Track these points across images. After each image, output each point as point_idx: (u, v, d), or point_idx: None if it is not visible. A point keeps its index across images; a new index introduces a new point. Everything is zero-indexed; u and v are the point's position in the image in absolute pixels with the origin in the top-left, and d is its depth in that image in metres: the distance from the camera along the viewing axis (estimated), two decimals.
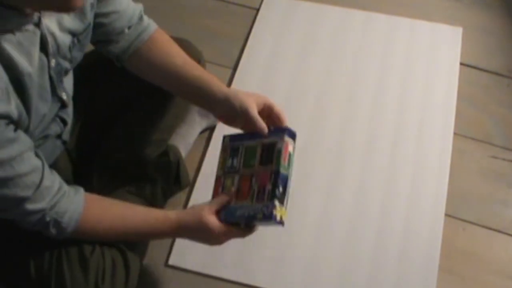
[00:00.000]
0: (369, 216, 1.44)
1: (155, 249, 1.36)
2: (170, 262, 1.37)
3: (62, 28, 0.99)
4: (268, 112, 1.13)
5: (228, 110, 1.12)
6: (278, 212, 1.04)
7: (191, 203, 1.45)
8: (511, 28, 1.82)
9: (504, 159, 1.56)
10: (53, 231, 1.01)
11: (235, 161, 1.13)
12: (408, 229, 1.42)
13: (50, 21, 0.95)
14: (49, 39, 0.96)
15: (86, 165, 1.31)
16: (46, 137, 1.06)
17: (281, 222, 1.04)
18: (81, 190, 1.05)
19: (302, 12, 1.83)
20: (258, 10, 1.84)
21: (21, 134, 0.92)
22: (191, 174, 1.49)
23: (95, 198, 1.07)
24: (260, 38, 1.77)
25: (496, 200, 1.50)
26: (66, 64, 1.04)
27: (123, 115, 1.34)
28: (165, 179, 1.36)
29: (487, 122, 1.63)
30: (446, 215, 1.46)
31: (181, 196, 1.47)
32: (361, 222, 1.43)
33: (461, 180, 1.52)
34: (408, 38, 1.78)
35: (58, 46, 0.98)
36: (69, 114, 1.14)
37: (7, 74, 0.87)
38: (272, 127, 1.11)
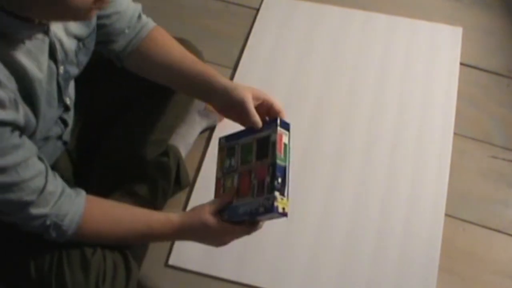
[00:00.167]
0: (369, 216, 1.44)
1: (155, 249, 1.36)
2: (170, 262, 1.37)
3: (68, 33, 1.00)
4: (266, 108, 1.12)
5: (226, 102, 1.12)
6: (280, 203, 1.03)
7: (191, 203, 1.45)
8: (511, 28, 1.82)
9: (504, 159, 1.56)
10: (53, 233, 1.01)
11: (232, 160, 1.12)
12: (408, 229, 1.42)
13: (57, 28, 0.96)
14: (57, 46, 0.96)
15: (86, 165, 1.31)
16: (47, 138, 1.06)
17: (284, 213, 1.03)
18: (82, 192, 1.05)
19: (302, 12, 1.83)
20: (258, 10, 1.84)
21: (26, 140, 0.93)
22: (191, 174, 1.49)
23: (96, 201, 1.07)
24: (260, 38, 1.77)
25: (496, 200, 1.50)
26: (73, 70, 1.05)
27: (123, 115, 1.34)
28: (165, 179, 1.36)
29: (487, 122, 1.63)
30: (446, 215, 1.46)
31: (181, 196, 1.47)
32: (361, 222, 1.43)
33: (461, 180, 1.52)
34: (408, 38, 1.78)
35: (65, 52, 1.00)
36: (70, 115, 1.14)
37: (18, 83, 0.88)
38: (266, 121, 1.10)
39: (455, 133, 1.59)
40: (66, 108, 1.10)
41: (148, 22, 1.19)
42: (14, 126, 0.88)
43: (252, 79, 1.67)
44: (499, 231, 1.45)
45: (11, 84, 0.86)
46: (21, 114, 0.89)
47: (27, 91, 0.91)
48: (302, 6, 1.84)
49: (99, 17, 1.09)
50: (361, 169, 1.52)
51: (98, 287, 1.09)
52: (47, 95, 0.97)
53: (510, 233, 1.45)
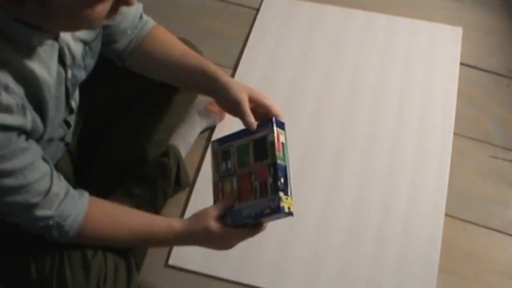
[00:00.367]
0: (369, 216, 1.44)
1: (155, 249, 1.36)
2: (170, 262, 1.37)
3: (75, 38, 1.00)
4: (264, 112, 1.11)
5: (223, 99, 1.12)
6: (285, 203, 1.02)
7: (191, 203, 1.45)
8: (511, 28, 1.82)
9: (504, 159, 1.56)
10: (55, 234, 1.01)
11: (229, 163, 1.11)
12: (408, 229, 1.42)
13: (65, 33, 0.96)
14: (65, 51, 0.97)
15: (86, 165, 1.31)
16: (50, 140, 1.07)
17: (290, 213, 1.03)
18: (85, 194, 1.05)
19: (302, 12, 1.83)
20: (258, 10, 1.84)
21: (32, 143, 0.93)
22: (191, 174, 1.49)
23: (99, 203, 1.07)
24: (260, 38, 1.77)
25: (496, 200, 1.50)
26: (81, 74, 1.06)
27: (123, 116, 1.34)
28: (165, 179, 1.36)
29: (487, 122, 1.63)
30: (446, 215, 1.46)
31: (181, 196, 1.47)
32: (361, 222, 1.43)
33: (461, 180, 1.52)
34: (408, 38, 1.78)
35: (73, 56, 1.01)
36: (72, 117, 1.15)
37: (27, 88, 0.89)
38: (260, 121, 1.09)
39: (455, 133, 1.59)
40: (71, 111, 1.11)
41: (149, 21, 1.19)
42: (21, 130, 0.89)
43: (252, 79, 1.67)
44: (499, 231, 1.45)
45: (19, 89, 0.87)
46: (28, 119, 0.90)
47: (36, 97, 0.91)
48: (302, 6, 1.84)
49: None
50: (361, 169, 1.52)
51: None
52: (55, 100, 0.98)
53: (510, 233, 1.45)
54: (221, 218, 1.07)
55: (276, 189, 1.03)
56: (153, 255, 1.35)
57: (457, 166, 1.53)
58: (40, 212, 0.96)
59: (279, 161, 1.04)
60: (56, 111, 1.00)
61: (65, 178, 1.03)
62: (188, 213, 1.43)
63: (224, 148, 1.13)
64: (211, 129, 1.57)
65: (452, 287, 1.36)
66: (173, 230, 1.08)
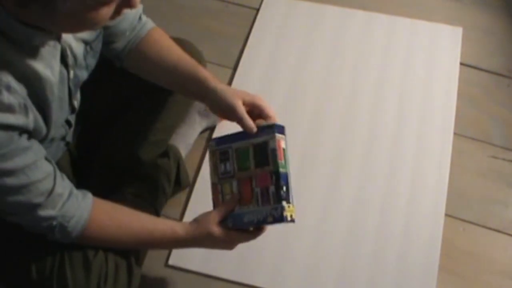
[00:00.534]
0: (369, 216, 1.44)
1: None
2: (170, 262, 1.37)
3: (76, 38, 1.01)
4: (258, 113, 1.11)
5: (217, 105, 1.12)
6: (288, 211, 1.04)
7: (191, 203, 1.45)
8: (511, 28, 1.82)
9: (504, 159, 1.56)
10: (58, 235, 1.01)
11: (228, 165, 1.11)
12: (408, 229, 1.42)
13: (67, 34, 0.96)
14: (67, 51, 0.97)
15: (86, 165, 1.31)
16: (52, 140, 1.07)
17: (292, 220, 1.05)
18: (88, 194, 1.05)
19: (302, 12, 1.83)
20: (258, 10, 1.84)
21: (34, 142, 0.93)
22: (191, 174, 1.49)
23: (102, 204, 1.07)
24: (260, 38, 1.77)
25: (496, 200, 1.50)
26: (83, 74, 1.06)
27: (123, 115, 1.34)
28: (165, 179, 1.36)
29: (487, 122, 1.63)
30: (446, 215, 1.46)
31: (181, 196, 1.47)
32: (361, 222, 1.43)
33: (461, 180, 1.52)
34: (408, 38, 1.78)
35: (74, 56, 1.01)
36: (73, 116, 1.15)
37: (30, 88, 0.89)
38: (260, 125, 1.09)
39: (455, 133, 1.59)
40: (73, 111, 1.11)
41: (147, 22, 1.19)
42: (23, 130, 0.89)
43: (252, 79, 1.67)
44: (499, 231, 1.45)
45: (22, 89, 0.87)
46: (30, 119, 0.90)
47: (38, 97, 0.91)
48: (302, 6, 1.84)
49: None
50: (361, 169, 1.52)
51: None
52: (59, 100, 0.98)
53: (510, 233, 1.45)
54: (221, 221, 1.09)
55: (279, 199, 1.04)
56: (153, 255, 1.35)
57: (457, 166, 1.53)
58: (43, 212, 0.96)
59: (281, 169, 1.05)
60: (60, 111, 1.01)
61: None
62: (188, 213, 1.43)
63: (222, 149, 1.12)
64: (211, 129, 1.57)
65: (452, 287, 1.36)
66: (176, 236, 1.10)
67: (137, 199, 1.29)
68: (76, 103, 1.11)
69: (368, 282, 1.35)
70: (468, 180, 1.52)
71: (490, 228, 1.45)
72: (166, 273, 1.36)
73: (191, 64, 1.17)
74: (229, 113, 1.10)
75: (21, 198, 0.93)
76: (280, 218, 1.04)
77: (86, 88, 1.13)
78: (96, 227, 1.04)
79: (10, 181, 0.90)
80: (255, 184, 1.07)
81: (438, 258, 1.39)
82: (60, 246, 1.07)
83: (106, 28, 1.11)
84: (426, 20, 1.82)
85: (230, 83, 1.66)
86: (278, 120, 1.10)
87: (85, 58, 1.04)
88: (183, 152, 1.46)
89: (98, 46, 1.09)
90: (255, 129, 1.08)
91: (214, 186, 1.13)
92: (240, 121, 1.09)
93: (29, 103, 0.89)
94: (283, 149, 1.06)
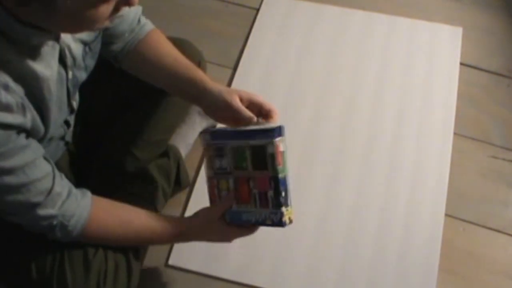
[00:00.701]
0: (369, 216, 1.44)
1: (155, 249, 1.36)
2: (170, 262, 1.37)
3: (75, 39, 1.01)
4: (257, 110, 1.11)
5: (214, 106, 1.12)
6: (287, 215, 1.05)
7: (191, 203, 1.45)
8: (511, 28, 1.82)
9: (504, 159, 1.56)
10: (58, 234, 1.01)
11: (223, 162, 1.10)
12: (408, 229, 1.42)
13: (66, 34, 0.96)
14: (66, 52, 0.97)
15: (86, 165, 1.31)
16: (50, 139, 1.07)
17: (290, 222, 1.07)
18: (88, 193, 1.05)
19: (302, 12, 1.83)
20: (258, 10, 1.84)
21: (32, 141, 0.93)
22: (191, 174, 1.49)
23: (102, 202, 1.08)
24: (260, 38, 1.77)
25: (496, 200, 1.50)
26: (81, 74, 1.06)
27: (123, 116, 1.34)
28: (165, 179, 1.36)
29: (487, 122, 1.63)
30: (446, 215, 1.46)
31: (181, 196, 1.47)
32: (361, 222, 1.43)
33: (461, 180, 1.52)
34: (408, 38, 1.78)
35: (73, 57, 1.01)
36: (72, 117, 1.15)
37: (28, 88, 0.89)
38: (260, 121, 1.08)
39: (455, 133, 1.59)
40: (71, 111, 1.11)
41: (146, 24, 1.20)
42: (20, 129, 0.89)
43: (252, 79, 1.67)
44: (499, 231, 1.45)
45: (19, 89, 0.87)
46: (28, 118, 0.90)
47: (35, 96, 0.91)
48: (302, 6, 1.84)
49: None
50: (361, 169, 1.52)
51: None
52: (57, 100, 0.98)
53: (510, 233, 1.45)
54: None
55: (278, 204, 1.04)
56: (153, 255, 1.36)
57: (457, 166, 1.53)
58: (42, 212, 0.96)
59: (280, 175, 1.04)
60: (59, 112, 1.01)
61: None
62: (188, 213, 1.42)
63: (217, 144, 1.11)
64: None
65: (452, 287, 1.36)
66: (176, 230, 1.12)
67: (137, 199, 1.29)
68: (75, 104, 1.11)
69: (368, 282, 1.35)
70: (468, 180, 1.52)
71: (490, 228, 1.45)
72: (166, 273, 1.36)
73: (188, 66, 1.17)
74: (226, 109, 1.10)
75: (21, 197, 0.93)
76: (278, 223, 1.05)
77: (86, 88, 1.13)
78: (96, 225, 1.04)
79: (9, 179, 0.90)
80: (253, 186, 1.07)
81: (438, 258, 1.39)
82: (60, 246, 1.07)
83: (105, 29, 1.11)
84: (426, 20, 1.82)
85: (230, 83, 1.67)
86: (278, 115, 1.09)
87: (84, 59, 1.05)
88: (183, 152, 1.46)
89: (97, 47, 1.09)
90: (255, 118, 1.08)
91: (210, 179, 1.13)
92: (237, 114, 1.08)
93: (27, 102, 0.89)
94: (282, 152, 1.04)
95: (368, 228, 1.42)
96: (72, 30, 0.90)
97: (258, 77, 1.69)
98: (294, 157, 1.45)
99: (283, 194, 1.04)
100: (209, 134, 1.12)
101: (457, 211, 1.47)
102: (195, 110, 1.52)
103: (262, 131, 1.06)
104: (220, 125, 1.53)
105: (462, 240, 1.43)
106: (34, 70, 0.90)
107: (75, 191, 1.02)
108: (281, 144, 1.05)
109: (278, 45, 1.75)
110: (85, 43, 1.04)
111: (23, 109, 0.88)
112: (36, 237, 1.03)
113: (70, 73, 1.01)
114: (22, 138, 0.90)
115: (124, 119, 1.34)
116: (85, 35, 1.03)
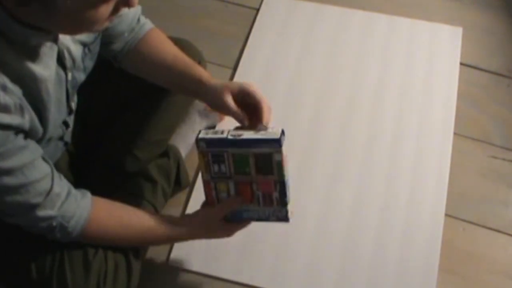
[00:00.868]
0: (369, 216, 1.44)
1: (155, 249, 1.36)
2: (170, 262, 1.37)
3: (74, 40, 1.01)
4: (252, 102, 1.10)
5: (211, 101, 1.15)
6: (290, 210, 1.12)
7: (191, 203, 1.45)
8: (511, 28, 1.82)
9: (504, 159, 1.56)
10: (58, 235, 1.01)
11: (222, 167, 1.09)
12: (408, 229, 1.42)
13: (64, 35, 0.97)
14: (65, 53, 0.97)
15: (85, 165, 1.31)
16: (49, 140, 1.07)
17: (292, 215, 1.13)
18: (87, 194, 1.05)
19: (302, 12, 1.83)
20: (258, 10, 1.84)
21: (31, 142, 0.93)
22: (191, 174, 1.49)
23: (102, 203, 1.07)
24: (260, 38, 1.77)
25: (496, 200, 1.50)
26: (80, 76, 1.06)
27: (123, 116, 1.34)
28: (165, 179, 1.36)
29: (487, 122, 1.63)
30: (446, 215, 1.46)
31: (181, 196, 1.47)
32: (361, 222, 1.43)
33: (461, 180, 1.52)
34: (408, 38, 1.78)
35: (73, 59, 1.01)
36: (71, 117, 1.15)
37: (26, 89, 0.89)
38: (262, 130, 1.06)
39: (455, 133, 1.59)
40: (70, 112, 1.11)
41: (146, 23, 1.20)
42: (18, 130, 0.89)
43: (252, 79, 1.66)
44: (499, 231, 1.45)
45: (17, 89, 0.87)
46: (26, 119, 0.90)
47: (33, 97, 0.91)
48: (302, 6, 1.84)
49: None
50: (361, 169, 1.52)
51: None
52: (56, 101, 0.98)
53: (510, 233, 1.45)
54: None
55: (284, 203, 1.09)
56: (153, 255, 1.36)
57: (457, 166, 1.53)
58: (42, 213, 0.96)
59: (286, 179, 1.08)
60: (57, 113, 1.01)
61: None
62: (188, 213, 1.43)
63: (215, 152, 1.08)
64: (211, 129, 1.57)
65: (452, 287, 1.36)
66: (177, 230, 1.13)
67: (137, 199, 1.29)
68: (74, 105, 1.11)
69: (368, 282, 1.35)
70: (468, 180, 1.52)
71: (490, 228, 1.45)
72: (166, 273, 1.36)
73: (187, 63, 1.18)
74: (221, 108, 1.12)
75: (19, 198, 0.93)
76: (284, 219, 1.11)
77: (85, 89, 1.14)
78: (96, 225, 1.04)
79: (7, 180, 0.90)
80: (256, 188, 1.09)
81: (438, 258, 1.38)
82: (60, 246, 1.07)
83: (105, 29, 1.11)
84: (426, 20, 1.82)
85: None
86: (267, 104, 1.09)
87: (83, 60, 1.05)
88: (183, 152, 1.46)
89: (96, 48, 1.09)
90: (246, 123, 1.09)
91: (206, 182, 1.13)
92: (230, 114, 1.11)
93: (25, 103, 0.89)
94: (285, 156, 1.07)
95: (368, 228, 1.42)
96: (72, 30, 0.90)
97: (258, 77, 1.68)
98: (294, 157, 1.45)
99: (287, 194, 1.09)
100: (203, 142, 1.09)
101: (457, 211, 1.47)
102: (195, 110, 1.52)
103: (267, 141, 1.05)
104: (220, 125, 1.56)
105: (462, 240, 1.43)
106: (32, 71, 0.90)
107: (74, 191, 1.02)
108: (284, 149, 1.07)
109: (278, 45, 1.75)
110: (84, 45, 1.04)
111: (21, 110, 0.88)
112: (36, 237, 1.02)
113: (69, 75, 1.01)
114: (20, 139, 0.90)
115: (124, 119, 1.34)
116: (84, 37, 1.03)
